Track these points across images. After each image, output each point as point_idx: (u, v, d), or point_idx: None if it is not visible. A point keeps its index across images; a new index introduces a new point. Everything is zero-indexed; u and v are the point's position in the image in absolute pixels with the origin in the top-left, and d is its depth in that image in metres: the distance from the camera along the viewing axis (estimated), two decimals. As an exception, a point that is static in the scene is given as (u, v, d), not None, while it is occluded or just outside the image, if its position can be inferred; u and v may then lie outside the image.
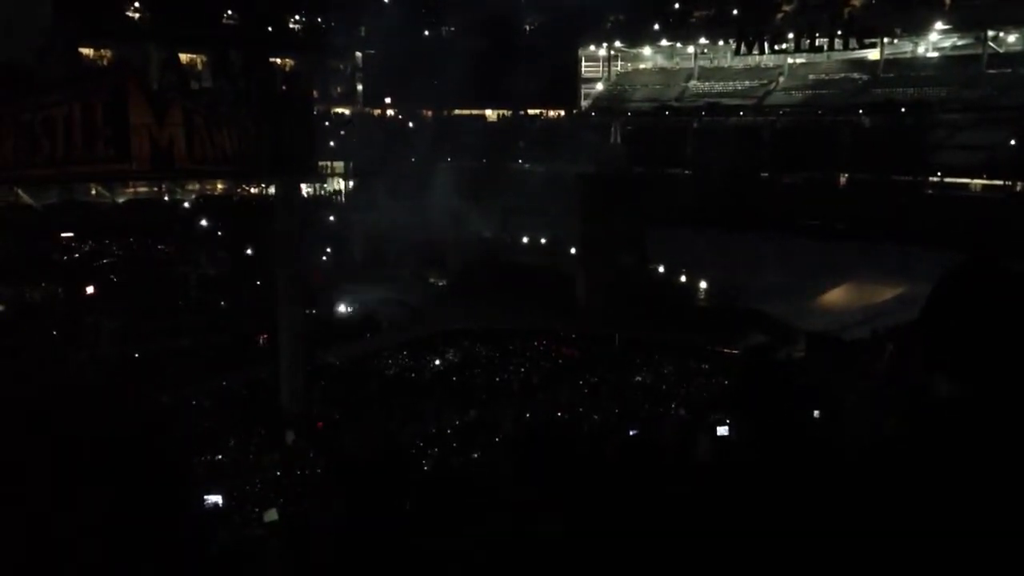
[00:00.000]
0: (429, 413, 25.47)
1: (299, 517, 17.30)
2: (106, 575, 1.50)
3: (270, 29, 60.57)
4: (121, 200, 47.24)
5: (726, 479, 3.66)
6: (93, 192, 46.20)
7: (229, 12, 58.93)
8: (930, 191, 46.93)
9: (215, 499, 17.57)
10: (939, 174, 47.08)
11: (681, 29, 66.88)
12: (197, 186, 50.93)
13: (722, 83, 64.39)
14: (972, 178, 46.15)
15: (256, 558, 14.73)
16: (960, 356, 2.06)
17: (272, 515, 17.30)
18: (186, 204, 49.86)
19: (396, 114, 69.01)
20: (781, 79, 61.77)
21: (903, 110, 51.04)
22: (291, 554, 14.81)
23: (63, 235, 41.32)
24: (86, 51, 46.90)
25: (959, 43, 54.28)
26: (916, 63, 55.81)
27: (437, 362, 33.06)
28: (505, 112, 71.50)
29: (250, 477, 20.52)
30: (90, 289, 36.72)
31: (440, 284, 45.76)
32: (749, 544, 2.84)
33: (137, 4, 53.90)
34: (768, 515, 2.89)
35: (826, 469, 2.79)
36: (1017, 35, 52.13)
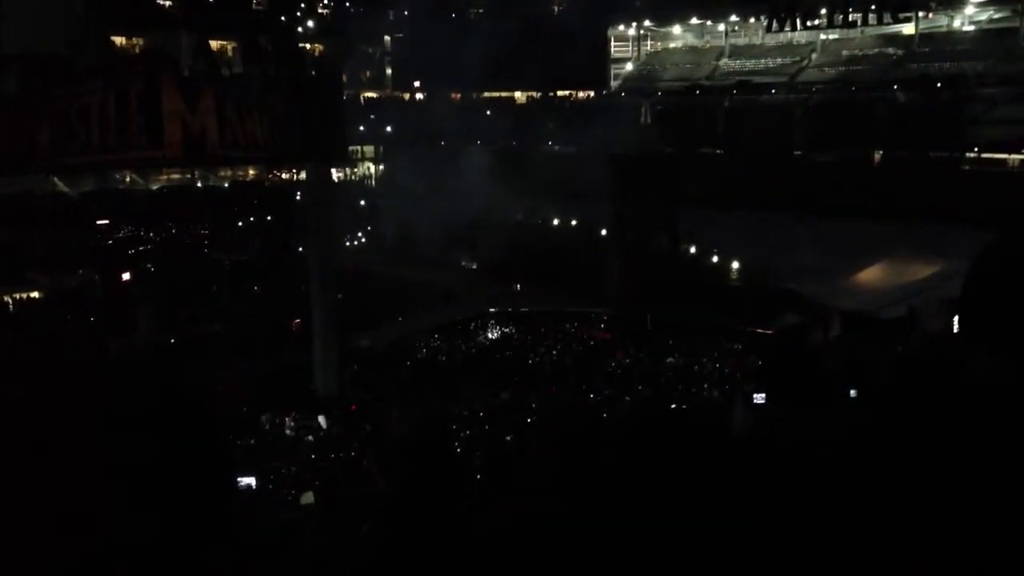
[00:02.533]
0: (461, 396, 25.58)
1: (335, 499, 17.50)
2: (145, 554, 1.53)
3: (299, 14, 60.73)
4: (155, 187, 47.71)
5: (761, 459, 3.64)
6: (127, 180, 46.69)
7: (258, -2, 59.09)
8: (967, 167, 46.18)
9: (248, 481, 17.86)
10: (976, 150, 46.31)
11: (711, 6, 66.01)
12: (229, 172, 51.29)
13: (753, 61, 63.61)
14: (1010, 153, 45.35)
15: (293, 539, 14.93)
16: (1000, 333, 2.03)
17: (309, 498, 17.53)
18: (219, 191, 50.25)
19: (425, 98, 69.01)
20: (814, 55, 60.92)
21: (939, 85, 50.16)
22: (327, 534, 15.00)
23: (99, 222, 41.82)
24: (118, 40, 47.24)
25: (996, 16, 53.16)
26: (952, 37, 54.77)
27: (469, 345, 33.17)
28: (534, 94, 71.18)
29: (286, 460, 20.75)
30: (126, 276, 37.21)
31: (472, 267, 45.84)
32: (782, 526, 2.83)
33: (167, -8, 54.20)
34: (803, 495, 2.88)
35: (858, 448, 2.76)
36: (1057, 6, 51.00)
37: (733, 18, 65.00)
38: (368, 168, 62.71)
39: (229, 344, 30.63)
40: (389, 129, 59.69)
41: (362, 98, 65.37)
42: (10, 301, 35.39)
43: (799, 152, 52.77)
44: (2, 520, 1.38)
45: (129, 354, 28.18)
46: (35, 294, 35.94)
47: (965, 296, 2.06)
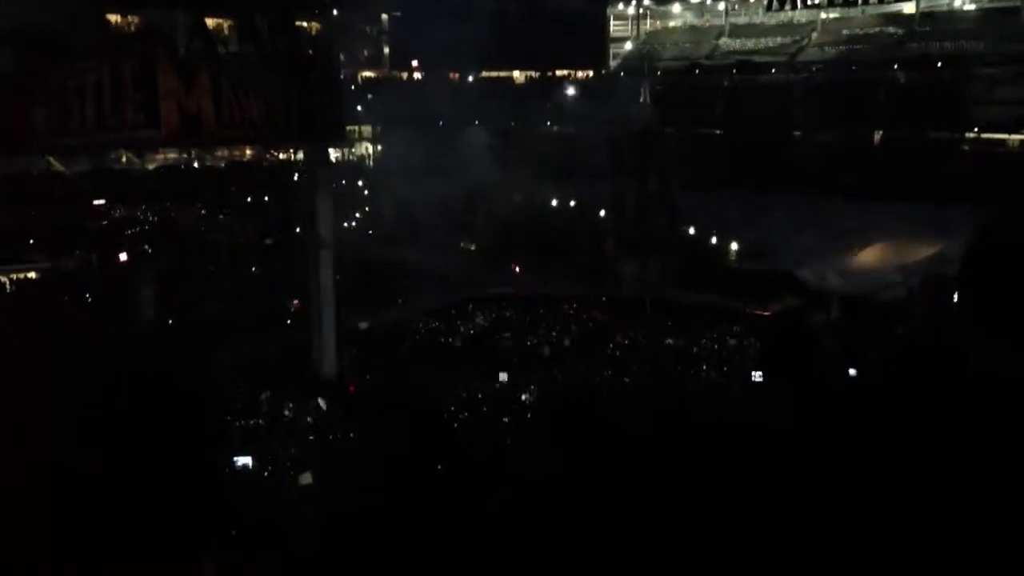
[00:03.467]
0: (460, 378, 25.52)
1: (333, 479, 17.52)
2: (146, 531, 1.46)
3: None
4: (151, 167, 47.48)
5: (761, 439, 3.59)
6: (124, 159, 46.45)
7: (255, -24, 58.47)
8: (967, 147, 46.09)
9: (245, 460, 17.96)
10: (976, 130, 46.19)
11: (711, -15, 65.81)
12: (226, 152, 51.05)
13: (754, 40, 63.34)
14: (1010, 134, 45.24)
15: (292, 516, 14.96)
16: (997, 310, 1.95)
17: (307, 478, 17.55)
18: (215, 171, 50.04)
19: (423, 77, 68.65)
20: (814, 35, 60.67)
21: (940, 65, 49.97)
22: (325, 513, 15.01)
23: (95, 202, 41.62)
24: (113, 18, 46.84)
25: (997, -6, 52.95)
26: (953, 16, 54.53)
27: (467, 327, 33.08)
28: (533, 74, 70.84)
29: (285, 441, 20.74)
30: (123, 257, 37.03)
31: (470, 249, 45.70)
32: (789, 508, 2.77)
33: (163, -30, 53.62)
34: (805, 475, 2.82)
35: (861, 426, 2.70)
36: (1059, -15, 50.69)
37: (733, -3, 64.72)
38: (366, 148, 62.43)
39: (227, 326, 30.51)
40: (386, 109, 59.34)
41: (360, 77, 65.01)
42: (7, 282, 35.23)
43: (799, 132, 52.61)
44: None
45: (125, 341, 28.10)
46: (32, 275, 35.79)
47: (962, 275, 1.98)
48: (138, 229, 41.34)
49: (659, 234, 39.32)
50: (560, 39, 60.90)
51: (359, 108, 57.18)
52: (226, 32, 25.51)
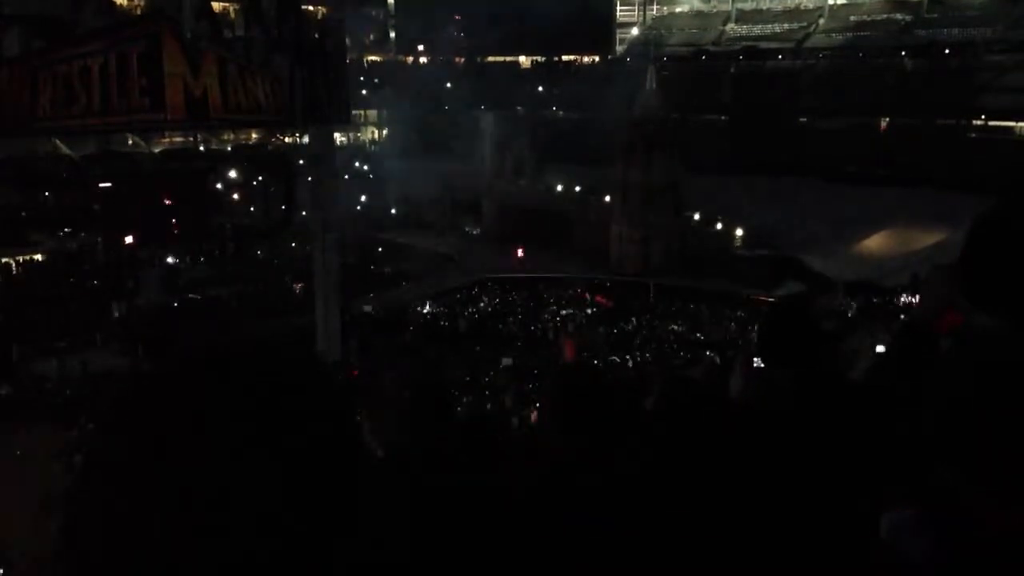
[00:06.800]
0: (463, 361, 25.60)
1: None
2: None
3: (302, -24, 60.04)
4: (157, 150, 47.50)
5: (765, 421, 3.63)
6: (130, 142, 46.49)
7: (261, -41, 58.31)
8: (974, 135, 45.92)
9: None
10: (983, 117, 46.01)
11: (719, -30, 65.48)
12: (232, 136, 51.08)
13: (760, 26, 63.03)
14: (1018, 121, 45.05)
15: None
16: (1000, 297, 2.01)
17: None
18: (221, 154, 50.04)
19: (429, 62, 68.47)
20: (821, 21, 60.35)
21: (947, 52, 49.74)
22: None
23: (101, 185, 41.63)
24: (119, 1, 46.84)
25: (1006, -19, 52.59)
26: (961, 3, 54.19)
27: (472, 310, 33.16)
28: (539, 58, 70.61)
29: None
30: (129, 239, 37.12)
31: (474, 232, 45.74)
32: (791, 489, 2.83)
33: (169, -48, 53.49)
34: (811, 458, 2.88)
35: (865, 411, 2.75)
36: (1068, -28, 50.37)
37: (740, -18, 64.37)
38: (371, 132, 62.39)
39: (232, 308, 30.63)
40: (392, 93, 59.26)
41: (365, 61, 64.86)
42: (12, 263, 35.36)
43: (805, 119, 52.45)
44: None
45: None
46: (38, 256, 35.92)
47: (964, 258, 2.05)
48: (143, 211, 41.33)
49: (664, 219, 39.35)
50: (566, 24, 60.62)
51: (364, 92, 57.08)
52: (232, 16, 25.57)
